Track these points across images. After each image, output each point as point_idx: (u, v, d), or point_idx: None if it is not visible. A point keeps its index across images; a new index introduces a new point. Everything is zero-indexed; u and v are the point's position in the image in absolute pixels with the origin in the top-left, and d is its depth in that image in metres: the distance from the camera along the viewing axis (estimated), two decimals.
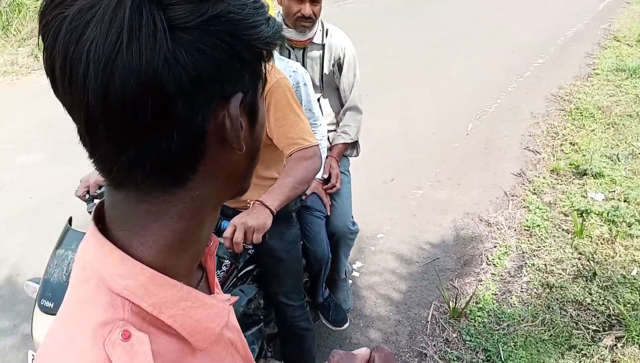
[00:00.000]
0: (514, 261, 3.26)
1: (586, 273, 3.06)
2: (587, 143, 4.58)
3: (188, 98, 0.47)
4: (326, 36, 2.45)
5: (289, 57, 2.36)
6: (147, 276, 0.52)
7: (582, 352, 2.58)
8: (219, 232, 1.67)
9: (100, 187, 1.88)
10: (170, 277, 0.54)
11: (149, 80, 0.45)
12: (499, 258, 3.26)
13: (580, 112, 5.22)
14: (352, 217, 2.65)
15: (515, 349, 2.62)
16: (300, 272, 2.25)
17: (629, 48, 7.21)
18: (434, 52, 7.22)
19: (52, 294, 1.72)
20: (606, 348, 2.58)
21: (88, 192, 1.89)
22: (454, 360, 2.61)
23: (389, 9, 9.79)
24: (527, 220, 3.60)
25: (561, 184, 4.02)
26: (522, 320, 2.79)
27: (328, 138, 2.52)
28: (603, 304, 2.84)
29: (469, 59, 6.92)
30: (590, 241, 3.33)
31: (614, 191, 3.81)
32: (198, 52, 0.46)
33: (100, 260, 0.53)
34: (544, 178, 4.13)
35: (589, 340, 2.65)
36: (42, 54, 0.49)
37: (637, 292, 2.89)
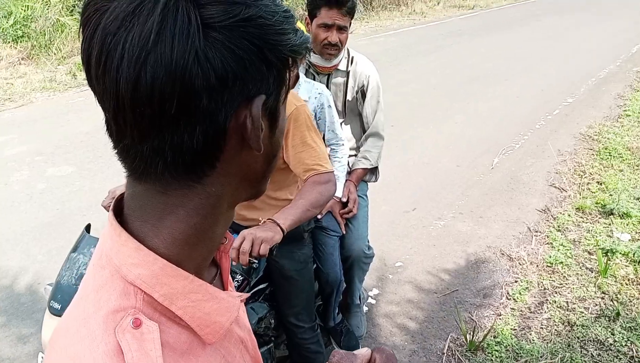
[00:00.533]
0: (534, 297, 3.19)
1: (609, 313, 2.97)
2: (614, 182, 4.50)
3: (213, 94, 0.49)
4: (351, 64, 2.49)
5: None
6: (160, 267, 0.53)
7: None
8: None
9: None
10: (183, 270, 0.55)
11: (178, 73, 0.47)
12: (520, 293, 3.19)
13: (609, 152, 5.14)
14: (368, 241, 2.64)
15: None
16: (312, 294, 2.23)
17: None
18: (462, 88, 7.24)
19: (60, 296, 1.74)
20: None
21: None
22: None
23: (418, 44, 9.90)
24: (550, 257, 3.52)
25: (586, 223, 3.94)
26: (541, 356, 2.71)
27: (348, 163, 2.54)
28: (626, 345, 2.75)
29: (497, 96, 6.91)
30: (615, 281, 3.24)
31: None
32: (227, 51, 0.49)
33: (116, 249, 0.55)
34: (569, 215, 4.05)
35: None
36: (80, 44, 0.51)
37: None
